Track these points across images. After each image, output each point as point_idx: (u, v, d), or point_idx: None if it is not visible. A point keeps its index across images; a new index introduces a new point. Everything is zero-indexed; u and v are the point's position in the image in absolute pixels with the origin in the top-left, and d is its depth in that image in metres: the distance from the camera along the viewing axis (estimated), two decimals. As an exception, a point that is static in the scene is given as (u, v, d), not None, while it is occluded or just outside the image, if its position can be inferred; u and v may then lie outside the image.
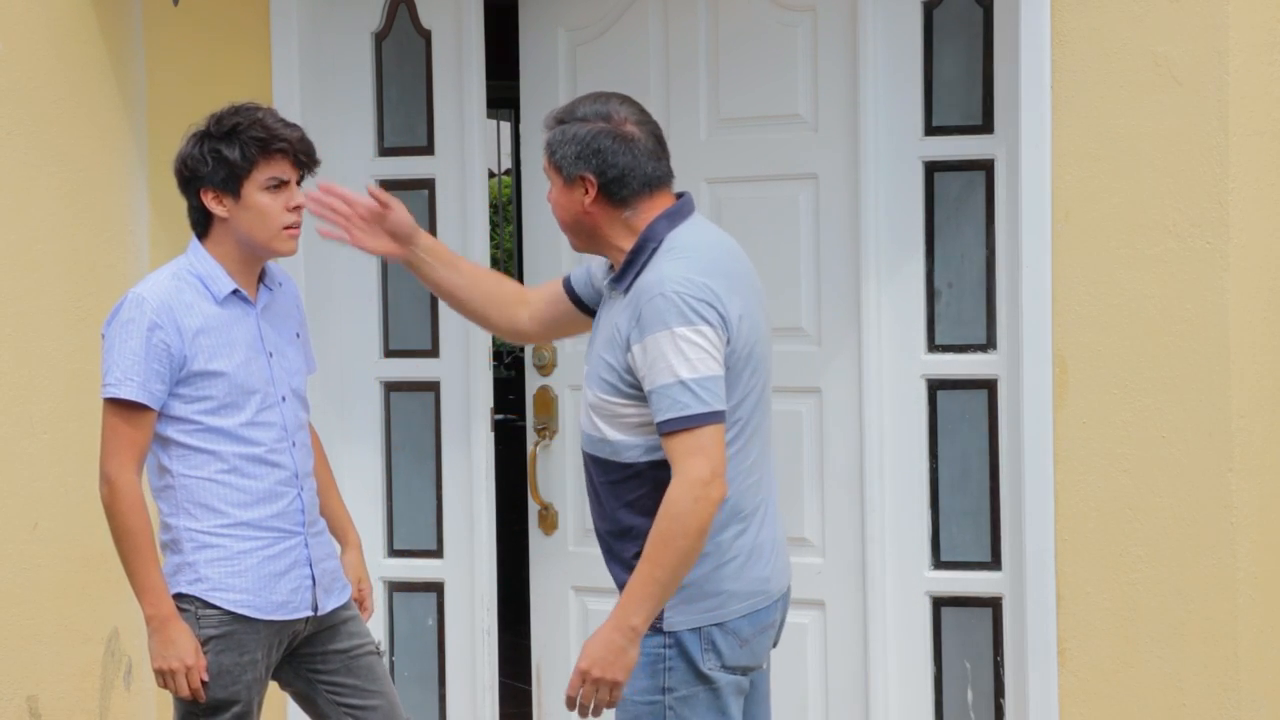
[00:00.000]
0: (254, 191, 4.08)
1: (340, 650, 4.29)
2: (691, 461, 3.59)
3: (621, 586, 3.76)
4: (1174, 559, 4.89)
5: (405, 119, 5.60)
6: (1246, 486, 4.86)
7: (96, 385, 4.14)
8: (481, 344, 5.50)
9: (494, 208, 8.97)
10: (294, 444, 4.19)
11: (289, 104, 5.35)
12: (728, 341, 3.67)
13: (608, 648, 3.63)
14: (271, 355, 4.19)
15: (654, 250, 3.73)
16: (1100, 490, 4.93)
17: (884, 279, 5.17)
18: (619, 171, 3.73)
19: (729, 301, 3.68)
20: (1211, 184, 4.80)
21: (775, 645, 3.93)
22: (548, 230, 5.57)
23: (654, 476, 3.72)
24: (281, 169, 4.09)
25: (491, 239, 5.57)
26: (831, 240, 5.24)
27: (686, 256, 3.70)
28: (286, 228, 4.11)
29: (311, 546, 4.21)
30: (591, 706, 3.67)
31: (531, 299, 4.14)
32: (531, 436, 5.65)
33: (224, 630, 4.10)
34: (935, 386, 5.21)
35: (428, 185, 5.56)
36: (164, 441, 4.11)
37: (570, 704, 3.69)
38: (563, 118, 3.80)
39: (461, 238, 5.49)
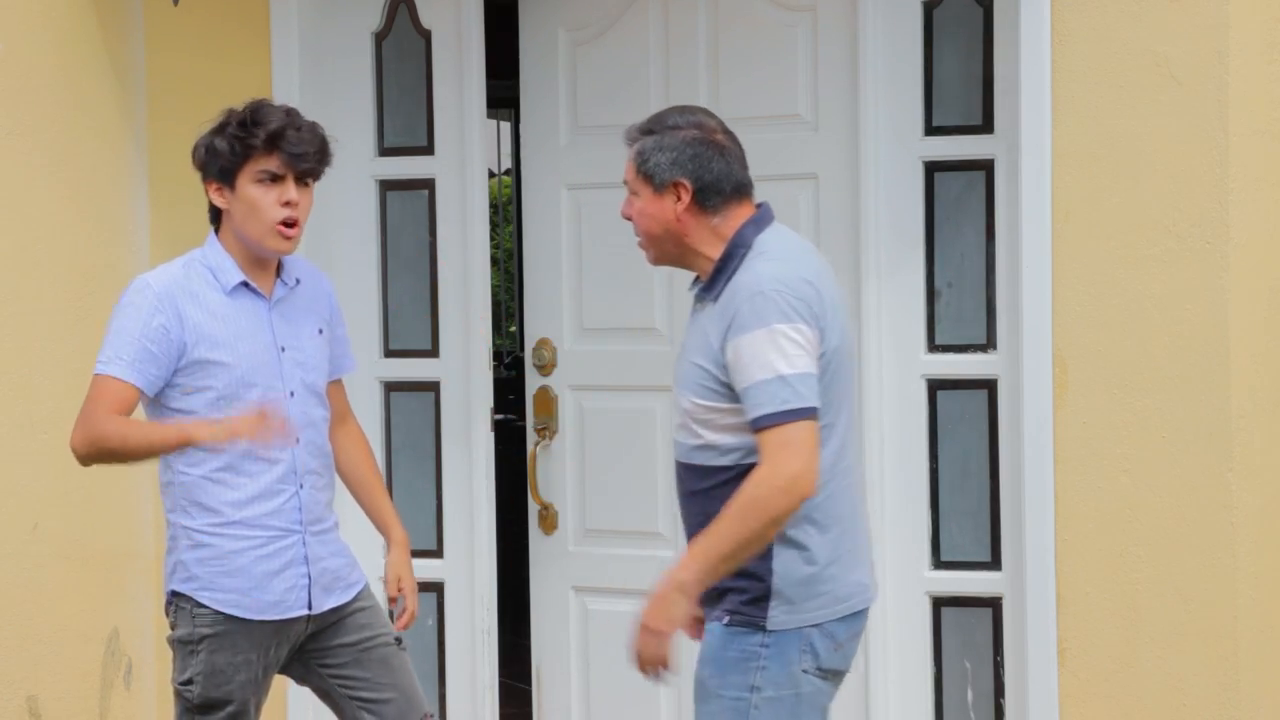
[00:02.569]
0: (246, 184, 4.09)
1: (348, 643, 4.27)
2: (784, 454, 3.61)
3: (713, 594, 3.79)
4: (1174, 559, 4.88)
5: (405, 119, 5.59)
6: (1246, 486, 4.85)
7: (97, 385, 4.14)
8: (481, 344, 5.49)
9: (494, 208, 8.94)
10: (297, 440, 4.17)
11: (289, 103, 5.33)
12: (821, 340, 3.71)
13: (657, 600, 3.70)
14: (284, 350, 4.18)
15: (744, 255, 3.78)
16: (1100, 490, 4.93)
17: (884, 279, 5.17)
18: (713, 177, 3.80)
19: (824, 302, 3.73)
20: (1211, 184, 4.80)
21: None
22: (548, 230, 5.59)
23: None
24: (270, 163, 4.08)
25: (491, 239, 5.57)
26: (831, 240, 5.23)
27: (781, 258, 3.76)
28: (280, 224, 4.10)
29: (310, 545, 4.20)
30: (648, 659, 3.73)
31: None
32: (531, 436, 5.65)
33: (217, 630, 4.09)
34: (935, 386, 5.21)
35: (428, 185, 5.56)
36: None
37: (635, 659, 3.76)
38: (651, 128, 3.85)
39: (461, 238, 5.49)
